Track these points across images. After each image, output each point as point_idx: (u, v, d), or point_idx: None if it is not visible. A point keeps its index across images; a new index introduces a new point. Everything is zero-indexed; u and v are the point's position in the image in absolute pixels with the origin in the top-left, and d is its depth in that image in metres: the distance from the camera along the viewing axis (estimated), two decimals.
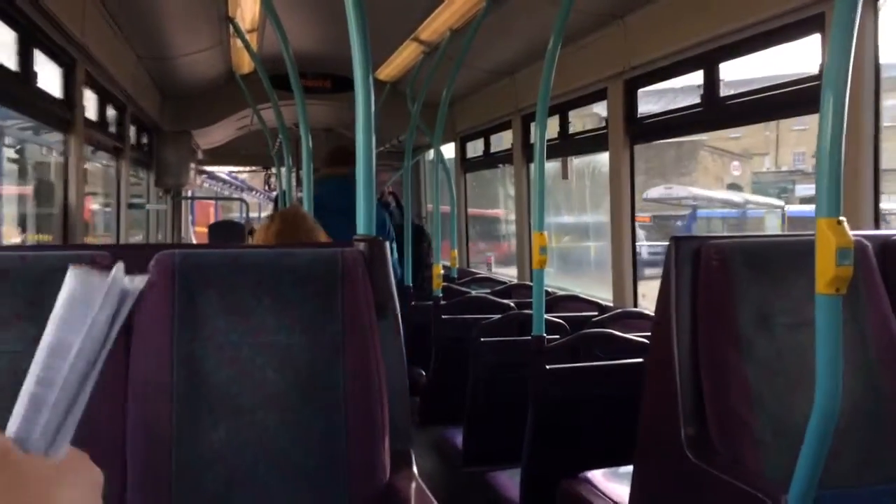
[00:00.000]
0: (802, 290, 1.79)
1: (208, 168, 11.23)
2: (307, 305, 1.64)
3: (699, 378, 1.83)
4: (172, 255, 1.61)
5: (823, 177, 1.33)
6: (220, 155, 9.23)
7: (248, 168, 12.31)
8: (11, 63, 2.91)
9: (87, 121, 3.75)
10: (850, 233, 1.33)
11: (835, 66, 1.33)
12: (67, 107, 3.48)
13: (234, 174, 14.26)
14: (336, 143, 8.23)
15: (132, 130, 5.21)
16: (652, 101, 3.73)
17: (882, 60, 2.42)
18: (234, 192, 14.91)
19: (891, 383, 1.83)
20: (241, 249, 1.82)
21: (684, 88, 3.80)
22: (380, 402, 1.63)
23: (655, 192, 21.89)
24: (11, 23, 2.84)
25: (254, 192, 16.23)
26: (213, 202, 16.64)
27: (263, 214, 13.46)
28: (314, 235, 2.51)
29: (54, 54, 3.32)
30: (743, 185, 27.78)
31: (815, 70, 2.61)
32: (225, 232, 8.93)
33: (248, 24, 4.60)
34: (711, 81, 3.16)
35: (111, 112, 4.56)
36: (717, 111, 3.16)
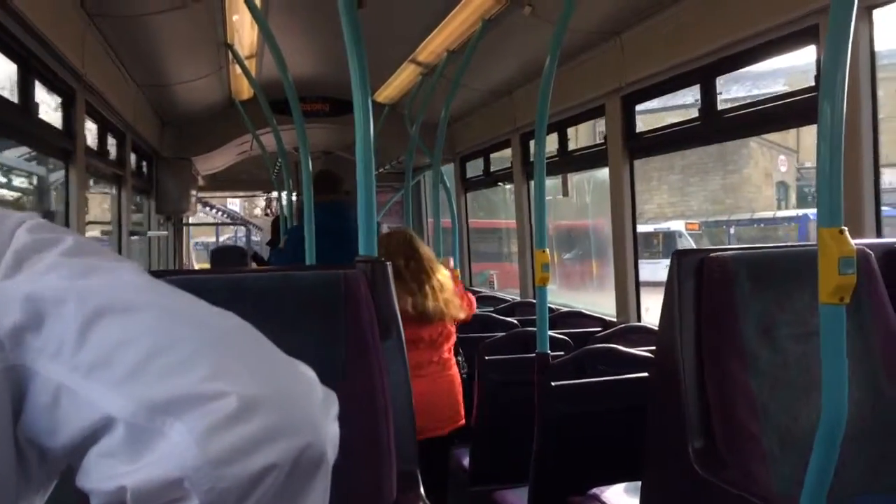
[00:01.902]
0: (806, 301, 1.80)
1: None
2: (311, 328, 1.64)
3: (705, 391, 1.82)
4: (173, 281, 1.61)
5: (824, 186, 1.33)
6: (221, 180, 9.27)
7: (246, 193, 12.34)
8: (12, 95, 2.93)
9: (87, 149, 3.77)
10: (852, 241, 1.33)
11: (831, 76, 1.33)
12: (68, 137, 3.50)
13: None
14: (335, 166, 8.28)
15: (132, 158, 5.23)
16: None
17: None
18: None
19: None
20: (242, 274, 1.82)
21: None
22: (385, 422, 1.62)
23: None
24: (11, 55, 2.86)
25: (214, 210, 13.85)
26: None
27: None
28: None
29: (54, 85, 3.35)
30: (789, 181, 24.29)
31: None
32: (227, 257, 8.94)
33: (247, 51, 4.64)
34: (708, 95, 3.17)
35: (111, 140, 4.58)
36: (715, 125, 3.17)
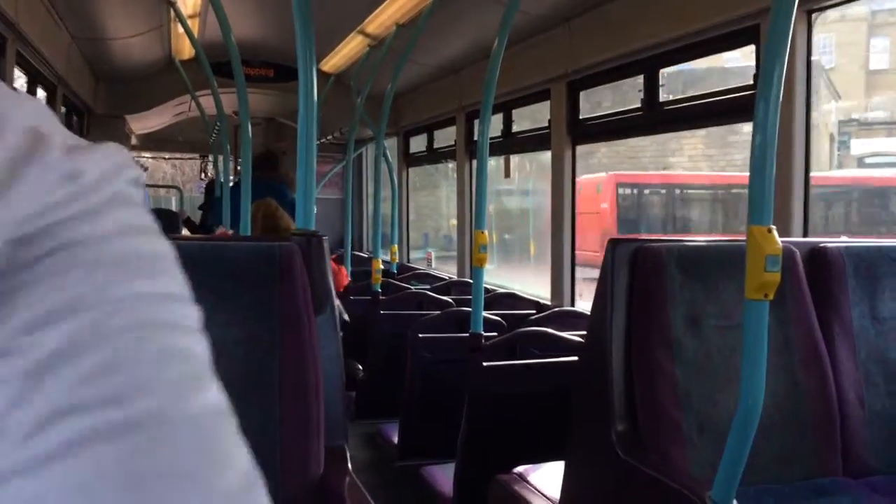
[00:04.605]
0: (732, 294, 1.85)
1: None
2: (244, 299, 1.62)
3: (631, 377, 1.87)
4: None
5: (757, 183, 1.37)
6: (156, 141, 9.01)
7: (185, 155, 12.06)
8: None
9: None
10: (780, 240, 1.37)
11: (768, 76, 1.37)
12: None
13: None
14: (276, 133, 8.13)
15: (63, 112, 5.04)
16: None
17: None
18: None
19: (812, 385, 1.91)
20: (174, 241, 1.77)
21: None
22: (315, 397, 1.62)
23: None
24: None
25: None
26: None
27: None
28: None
29: None
30: (834, 134, 17.20)
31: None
32: (158, 221, 8.71)
33: (190, 10, 4.50)
34: (652, 86, 3.22)
35: (41, 93, 4.40)
36: (657, 116, 3.22)
